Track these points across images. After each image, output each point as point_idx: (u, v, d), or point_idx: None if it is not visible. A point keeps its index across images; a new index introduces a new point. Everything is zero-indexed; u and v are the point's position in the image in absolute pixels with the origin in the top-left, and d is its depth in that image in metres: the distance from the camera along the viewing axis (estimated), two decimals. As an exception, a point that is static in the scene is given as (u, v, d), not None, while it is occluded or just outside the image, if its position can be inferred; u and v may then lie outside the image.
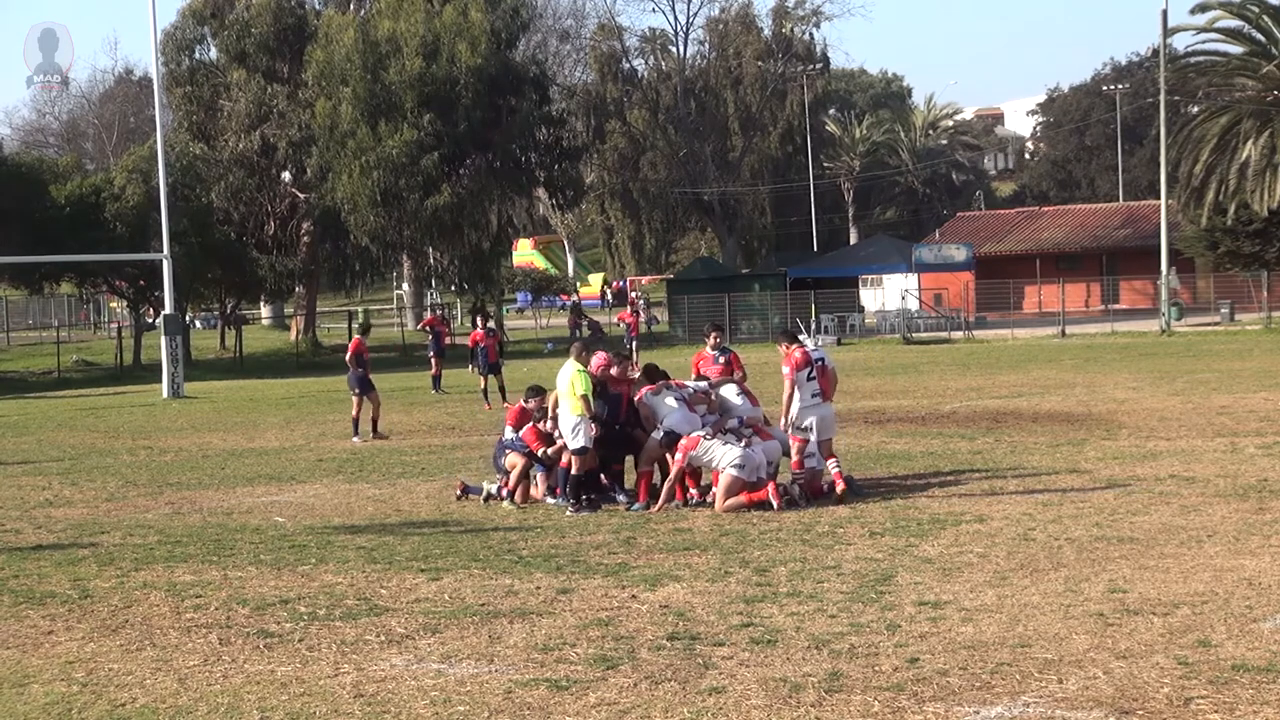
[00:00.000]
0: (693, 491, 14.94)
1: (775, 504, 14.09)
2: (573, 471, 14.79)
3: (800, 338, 15.96)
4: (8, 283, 63.75)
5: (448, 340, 38.40)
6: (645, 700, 7.87)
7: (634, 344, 44.16)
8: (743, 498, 14.23)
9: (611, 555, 12.16)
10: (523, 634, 9.43)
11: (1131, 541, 11.86)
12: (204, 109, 60.49)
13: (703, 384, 15.82)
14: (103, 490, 18.25)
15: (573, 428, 14.86)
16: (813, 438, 14.73)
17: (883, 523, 13.23)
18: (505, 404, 23.98)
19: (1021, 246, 69.57)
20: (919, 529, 12.79)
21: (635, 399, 15.42)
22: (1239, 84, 56.22)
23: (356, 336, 25.32)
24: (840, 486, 14.50)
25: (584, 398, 14.82)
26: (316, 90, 56.68)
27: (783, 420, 14.82)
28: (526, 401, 16.21)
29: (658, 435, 14.98)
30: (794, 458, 14.78)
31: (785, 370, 14.72)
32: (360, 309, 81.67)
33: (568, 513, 14.65)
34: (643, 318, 61.26)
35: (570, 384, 14.93)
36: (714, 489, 14.63)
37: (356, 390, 23.96)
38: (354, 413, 24.02)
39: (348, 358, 24.80)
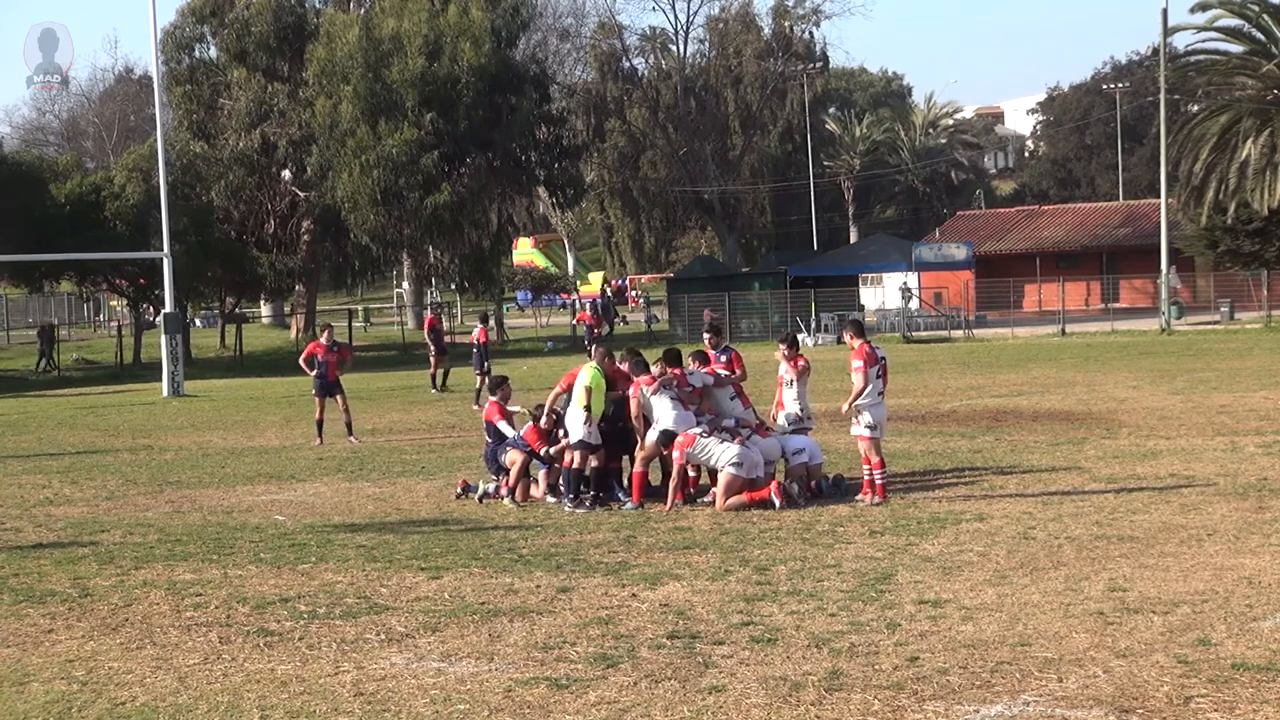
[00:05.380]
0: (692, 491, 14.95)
1: (778, 502, 14.08)
2: (573, 467, 14.81)
3: (801, 337, 15.88)
4: (8, 281, 63.68)
5: (447, 339, 38.35)
6: (645, 699, 7.87)
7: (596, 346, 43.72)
8: (744, 496, 14.23)
9: (611, 554, 12.16)
10: (523, 632, 9.43)
11: (1131, 540, 11.86)
12: (204, 107, 60.46)
13: (708, 378, 15.66)
14: (103, 489, 18.24)
15: (576, 423, 14.94)
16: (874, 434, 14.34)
17: (883, 521, 13.23)
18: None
19: (1021, 245, 69.54)
20: (919, 528, 12.79)
21: (631, 392, 15.34)
22: (1239, 83, 56.21)
23: (313, 341, 24.53)
24: (880, 499, 14.24)
25: (587, 388, 14.92)
26: (317, 89, 56.64)
27: (845, 406, 14.41)
28: (493, 394, 16.43)
29: (653, 435, 14.98)
30: (875, 457, 14.26)
31: (857, 364, 14.30)
32: (360, 307, 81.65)
33: (567, 510, 14.66)
34: (644, 317, 61.38)
35: (580, 381, 15.07)
36: (713, 489, 14.64)
37: (316, 394, 23.42)
38: (317, 415, 23.34)
39: (301, 361, 24.25)
